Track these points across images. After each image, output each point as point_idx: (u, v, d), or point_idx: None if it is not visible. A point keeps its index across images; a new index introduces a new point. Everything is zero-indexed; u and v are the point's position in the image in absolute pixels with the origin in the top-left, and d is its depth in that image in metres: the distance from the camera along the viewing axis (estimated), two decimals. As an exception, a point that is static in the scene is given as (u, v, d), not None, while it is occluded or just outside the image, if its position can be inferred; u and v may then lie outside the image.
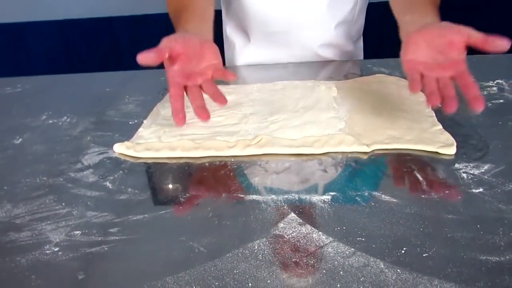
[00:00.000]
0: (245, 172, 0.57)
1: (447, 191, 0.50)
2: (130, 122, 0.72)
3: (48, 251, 0.45)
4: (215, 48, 0.71)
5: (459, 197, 0.49)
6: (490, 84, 0.76)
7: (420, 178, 0.52)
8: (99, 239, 0.46)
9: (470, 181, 0.51)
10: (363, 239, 0.43)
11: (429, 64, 0.60)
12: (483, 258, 0.40)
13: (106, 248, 0.45)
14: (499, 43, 0.55)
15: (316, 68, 0.92)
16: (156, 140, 0.64)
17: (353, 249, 0.42)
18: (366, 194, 0.50)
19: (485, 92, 0.74)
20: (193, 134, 0.65)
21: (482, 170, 0.53)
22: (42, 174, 0.59)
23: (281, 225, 0.46)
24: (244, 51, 1.00)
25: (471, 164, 0.54)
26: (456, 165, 0.54)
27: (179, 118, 0.65)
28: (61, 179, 0.58)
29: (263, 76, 0.88)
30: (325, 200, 0.50)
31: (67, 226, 0.48)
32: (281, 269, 0.40)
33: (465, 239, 0.42)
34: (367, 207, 0.48)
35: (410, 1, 0.72)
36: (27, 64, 2.11)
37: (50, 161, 0.62)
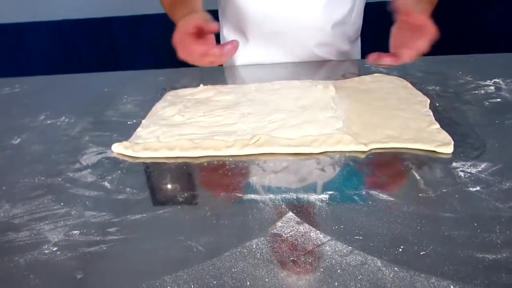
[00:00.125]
0: (243, 171, 0.57)
1: (444, 190, 0.50)
2: (129, 122, 0.72)
3: (46, 251, 0.45)
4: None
5: (456, 196, 0.49)
6: (488, 83, 0.77)
7: (418, 177, 0.53)
8: (98, 238, 0.46)
9: (467, 179, 0.51)
10: (360, 238, 0.43)
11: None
12: (480, 256, 0.40)
13: (104, 248, 0.45)
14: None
15: (314, 68, 0.92)
16: (154, 140, 0.64)
17: (350, 247, 0.42)
18: (364, 193, 0.50)
19: (482, 91, 0.74)
20: (191, 134, 0.65)
21: (479, 169, 0.53)
22: (41, 174, 0.59)
23: (279, 224, 0.46)
24: (241, 51, 1.00)
25: (468, 163, 0.54)
26: (454, 164, 0.54)
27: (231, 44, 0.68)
28: (60, 179, 0.58)
29: (261, 76, 0.88)
30: (323, 199, 0.50)
31: (66, 226, 0.48)
32: (279, 268, 0.41)
33: (462, 237, 0.42)
34: (365, 205, 0.48)
35: None
36: (26, 65, 2.11)
37: (48, 161, 0.62)
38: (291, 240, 0.44)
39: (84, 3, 1.96)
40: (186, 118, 0.70)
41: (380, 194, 0.50)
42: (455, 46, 1.74)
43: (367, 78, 0.82)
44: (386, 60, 0.67)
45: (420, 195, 0.49)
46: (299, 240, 0.44)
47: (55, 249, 0.45)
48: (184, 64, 0.97)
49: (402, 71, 0.84)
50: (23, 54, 2.10)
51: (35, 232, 0.48)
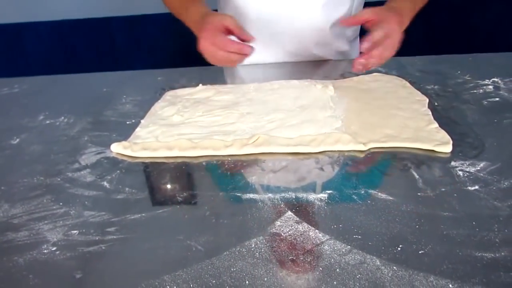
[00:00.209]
0: (242, 171, 0.57)
1: (443, 189, 0.50)
2: (128, 122, 0.72)
3: (45, 251, 0.45)
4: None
5: (455, 195, 0.49)
6: (486, 82, 0.77)
7: (416, 176, 0.53)
8: (97, 238, 0.46)
9: (466, 178, 0.51)
10: (359, 237, 0.43)
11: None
12: (479, 254, 0.40)
13: (103, 247, 0.45)
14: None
15: (312, 68, 0.93)
16: (153, 139, 0.64)
17: (349, 246, 0.42)
18: (363, 192, 0.50)
19: (481, 90, 0.74)
20: (190, 133, 0.65)
21: (478, 168, 0.53)
22: (40, 174, 0.59)
23: (278, 223, 0.46)
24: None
25: (467, 162, 0.54)
26: (452, 163, 0.55)
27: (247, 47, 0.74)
28: (59, 179, 0.58)
29: (260, 75, 0.89)
30: (322, 198, 0.50)
31: (65, 226, 0.48)
32: (278, 267, 0.41)
33: (461, 236, 0.43)
34: (364, 205, 0.48)
35: None
36: (25, 65, 2.10)
37: (47, 161, 0.62)
38: (290, 239, 0.44)
39: (83, 3, 1.96)
40: (185, 118, 0.70)
41: (379, 194, 0.50)
42: (454, 45, 1.74)
43: (366, 77, 0.82)
44: (358, 68, 0.71)
45: (418, 194, 0.50)
46: (298, 239, 0.44)
47: (54, 248, 0.45)
48: (183, 64, 0.97)
49: (401, 71, 0.84)
50: (22, 54, 2.10)
51: (34, 232, 0.48)
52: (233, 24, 0.76)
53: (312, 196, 0.50)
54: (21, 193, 0.55)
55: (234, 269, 0.40)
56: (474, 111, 0.67)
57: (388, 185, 0.52)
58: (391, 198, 0.49)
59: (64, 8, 1.98)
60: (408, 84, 0.77)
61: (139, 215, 0.49)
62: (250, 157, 0.59)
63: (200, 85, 0.83)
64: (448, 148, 0.57)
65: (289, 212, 0.48)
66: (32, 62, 2.11)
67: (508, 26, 1.72)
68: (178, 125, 0.68)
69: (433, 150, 0.57)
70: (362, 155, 0.58)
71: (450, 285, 0.37)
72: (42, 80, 0.98)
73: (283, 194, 0.51)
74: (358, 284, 0.38)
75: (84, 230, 0.47)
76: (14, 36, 2.05)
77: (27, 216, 0.51)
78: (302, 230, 0.45)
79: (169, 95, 0.81)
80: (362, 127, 0.63)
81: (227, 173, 0.56)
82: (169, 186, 0.56)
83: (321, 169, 0.56)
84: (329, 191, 0.51)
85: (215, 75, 0.92)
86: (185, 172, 0.58)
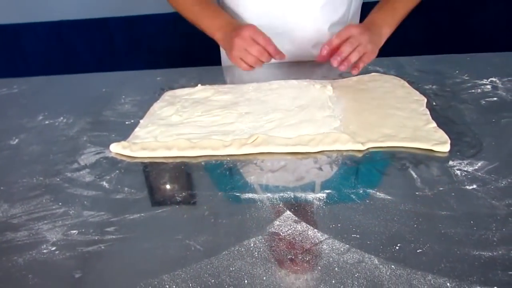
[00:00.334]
0: (241, 170, 0.57)
1: (441, 188, 0.51)
2: (127, 122, 0.72)
3: (45, 251, 0.45)
4: None
5: (453, 194, 0.50)
6: (484, 82, 0.77)
7: (414, 176, 0.53)
8: (96, 238, 0.46)
9: (464, 178, 0.52)
10: (358, 236, 0.44)
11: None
12: (476, 253, 0.40)
13: (103, 247, 0.45)
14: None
15: (311, 68, 0.93)
16: (152, 139, 0.64)
17: (348, 245, 0.42)
18: (361, 191, 0.51)
19: (479, 90, 0.74)
20: (189, 133, 0.65)
21: (476, 167, 0.53)
22: (39, 174, 0.59)
23: (276, 223, 0.46)
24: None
25: (465, 161, 0.55)
26: (450, 162, 0.55)
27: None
28: (58, 179, 0.58)
29: (259, 75, 0.89)
30: (320, 198, 0.50)
31: (64, 226, 0.49)
32: (277, 266, 0.41)
33: (459, 235, 0.43)
34: (362, 204, 0.48)
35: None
36: (23, 65, 2.10)
37: (46, 161, 0.62)
38: (288, 238, 0.44)
39: (82, 4, 1.96)
40: (184, 118, 0.70)
41: (377, 193, 0.50)
42: (452, 45, 1.74)
43: (364, 77, 0.82)
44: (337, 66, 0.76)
45: (417, 193, 0.50)
46: (297, 238, 0.44)
47: (53, 248, 0.45)
48: (182, 64, 0.98)
49: (399, 70, 0.85)
50: (21, 55, 2.10)
51: (33, 232, 0.48)
52: (267, 38, 0.82)
53: (310, 196, 0.50)
54: (21, 193, 0.55)
55: (233, 269, 0.41)
56: (472, 110, 0.68)
57: (386, 184, 0.52)
58: (389, 197, 0.49)
59: (63, 8, 1.98)
60: (406, 84, 0.77)
61: (138, 215, 0.49)
62: (249, 157, 0.59)
63: (199, 85, 0.83)
64: (446, 148, 0.57)
65: (288, 212, 0.48)
66: (31, 62, 2.11)
67: (506, 26, 1.72)
68: (177, 125, 0.68)
69: (431, 150, 0.57)
70: (360, 155, 0.58)
71: (448, 284, 0.37)
72: (41, 80, 0.98)
73: (281, 194, 0.51)
74: (356, 283, 0.38)
75: (83, 230, 0.48)
76: (13, 36, 2.05)
77: (26, 216, 0.51)
78: (300, 230, 0.45)
79: (168, 95, 0.81)
80: (360, 127, 0.63)
81: (226, 173, 0.56)
82: (168, 186, 0.56)
83: (320, 168, 0.56)
84: (327, 191, 0.51)
85: (214, 75, 0.92)
86: (184, 172, 0.58)
